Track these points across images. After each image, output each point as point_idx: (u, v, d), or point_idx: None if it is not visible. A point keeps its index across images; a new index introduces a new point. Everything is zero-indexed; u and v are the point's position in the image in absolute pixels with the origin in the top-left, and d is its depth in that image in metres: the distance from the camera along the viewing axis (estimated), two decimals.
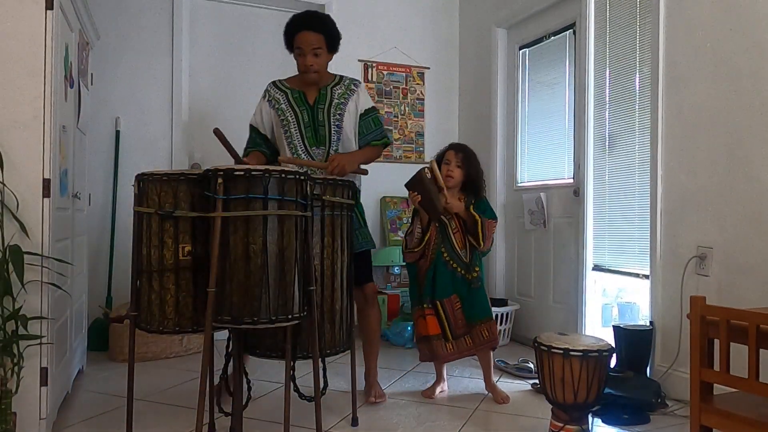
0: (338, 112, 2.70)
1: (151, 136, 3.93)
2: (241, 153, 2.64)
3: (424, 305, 2.81)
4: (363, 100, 2.78)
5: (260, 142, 2.75)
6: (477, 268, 2.83)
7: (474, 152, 2.92)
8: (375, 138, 2.80)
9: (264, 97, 2.77)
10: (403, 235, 4.43)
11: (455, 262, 2.80)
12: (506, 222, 4.28)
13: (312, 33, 2.63)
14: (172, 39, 3.98)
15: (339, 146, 2.69)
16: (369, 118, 2.79)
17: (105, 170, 3.83)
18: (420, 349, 2.87)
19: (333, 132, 2.68)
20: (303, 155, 2.66)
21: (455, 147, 2.91)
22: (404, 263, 3.08)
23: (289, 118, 2.67)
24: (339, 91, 2.73)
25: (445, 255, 2.81)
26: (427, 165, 2.78)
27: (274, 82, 2.79)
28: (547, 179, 3.94)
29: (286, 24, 2.70)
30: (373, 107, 2.82)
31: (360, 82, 2.84)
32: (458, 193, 2.86)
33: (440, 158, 2.91)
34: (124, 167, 3.81)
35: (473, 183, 2.86)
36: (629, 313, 3.34)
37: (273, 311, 1.95)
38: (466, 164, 2.84)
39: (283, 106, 2.69)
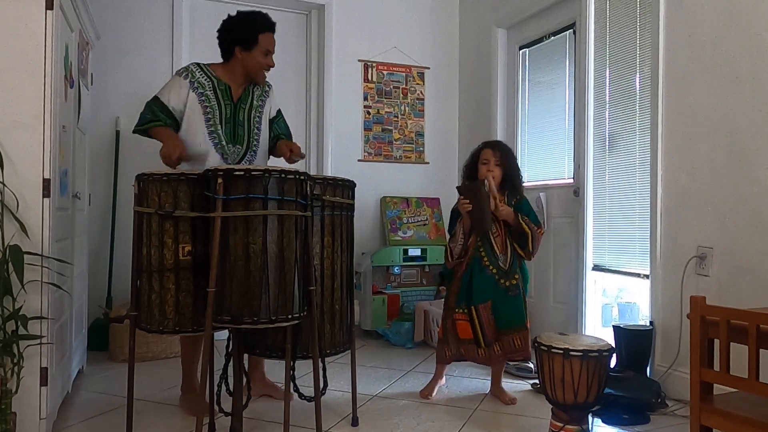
0: (258, 114, 2.73)
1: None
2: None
3: (456, 309, 2.75)
4: (275, 102, 2.86)
5: (165, 118, 2.57)
6: (516, 276, 2.75)
7: (510, 148, 2.89)
8: (286, 137, 2.89)
9: (183, 76, 2.62)
10: (403, 235, 4.42)
11: (494, 267, 2.73)
12: None
13: (273, 36, 2.68)
14: (172, 39, 3.98)
15: (258, 147, 2.72)
16: (280, 120, 2.89)
17: (105, 170, 3.83)
18: (438, 350, 2.84)
19: (253, 133, 2.70)
20: (226, 147, 2.62)
21: (491, 145, 2.84)
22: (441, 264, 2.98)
23: (214, 108, 2.61)
24: (257, 92, 2.75)
25: (485, 260, 2.74)
26: (486, 178, 2.72)
27: (198, 65, 2.68)
28: (547, 179, 3.94)
29: (250, 19, 2.64)
30: (279, 109, 2.90)
31: (271, 84, 2.86)
32: (498, 192, 2.78)
33: (475, 158, 2.84)
34: (124, 167, 3.81)
35: (512, 181, 2.80)
36: (629, 313, 3.34)
37: (273, 311, 1.95)
38: (505, 162, 2.79)
39: (208, 93, 2.61)
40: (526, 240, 2.72)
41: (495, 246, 2.75)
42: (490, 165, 2.77)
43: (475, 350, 2.73)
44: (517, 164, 2.86)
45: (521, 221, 2.72)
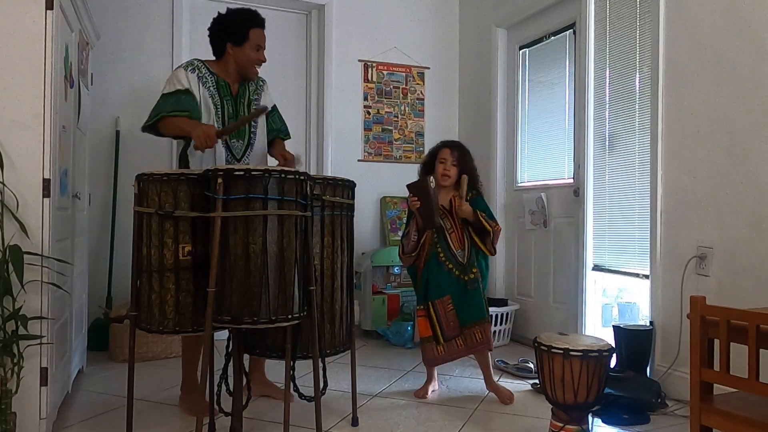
0: (255, 108, 2.74)
1: (151, 136, 3.92)
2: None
3: (418, 307, 2.82)
4: (270, 97, 2.87)
5: (192, 106, 2.53)
6: (474, 269, 2.80)
7: (467, 149, 2.92)
8: (284, 134, 2.93)
9: (190, 69, 2.60)
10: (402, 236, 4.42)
11: (450, 263, 2.78)
12: (506, 222, 4.27)
13: (264, 32, 2.70)
14: (172, 39, 3.98)
15: (256, 141, 2.73)
16: (275, 115, 2.89)
17: (105, 170, 3.83)
18: (421, 350, 2.86)
19: (253, 125, 2.71)
20: (222, 145, 2.60)
21: (450, 145, 2.89)
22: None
23: (216, 104, 2.62)
24: (252, 87, 2.77)
25: (441, 255, 2.79)
26: (431, 175, 2.79)
27: (200, 60, 2.68)
28: (547, 179, 3.94)
29: (240, 15, 2.65)
30: (275, 104, 2.90)
31: (265, 80, 2.87)
32: (453, 190, 2.85)
33: (434, 156, 2.89)
34: (124, 167, 3.81)
35: (468, 180, 2.83)
36: (629, 313, 3.34)
37: (273, 311, 1.95)
38: (461, 162, 2.84)
39: (212, 89, 2.63)
40: (484, 237, 2.79)
41: (450, 242, 2.80)
42: (447, 164, 2.82)
43: (434, 348, 2.77)
44: (473, 165, 2.90)
45: (480, 218, 2.78)
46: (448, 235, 2.81)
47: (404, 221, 4.50)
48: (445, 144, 2.91)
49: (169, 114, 2.50)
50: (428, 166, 2.91)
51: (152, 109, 2.56)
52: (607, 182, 3.37)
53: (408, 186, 2.80)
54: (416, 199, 2.72)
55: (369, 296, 4.07)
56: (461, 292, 2.78)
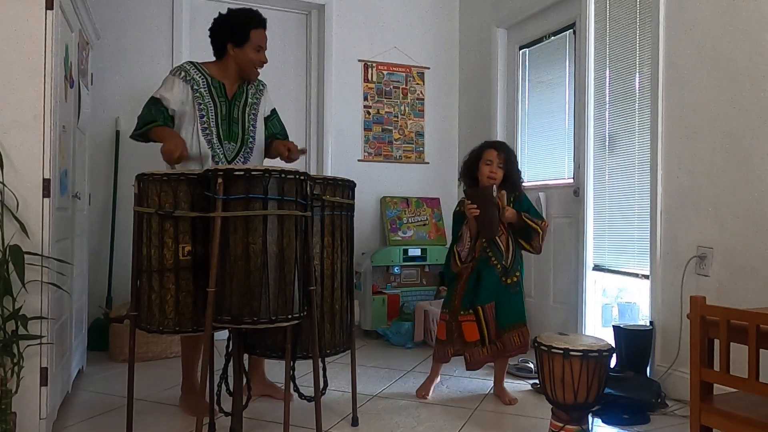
0: (253, 111, 2.73)
1: None
2: None
3: (461, 312, 2.74)
4: (270, 101, 2.86)
5: (165, 117, 2.57)
6: (518, 273, 2.77)
7: (512, 149, 2.88)
8: (282, 137, 2.89)
9: (177, 74, 2.61)
10: (403, 235, 4.42)
11: (500, 265, 2.74)
12: None
13: (265, 33, 2.69)
14: (172, 39, 3.98)
15: (254, 144, 2.71)
16: (275, 119, 2.88)
17: (105, 170, 3.83)
18: (438, 350, 2.80)
19: (249, 129, 2.70)
20: (217, 146, 2.60)
21: (497, 147, 2.83)
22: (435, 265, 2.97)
23: (208, 105, 2.61)
24: (251, 90, 2.75)
25: (493, 259, 2.74)
26: (495, 185, 2.71)
27: (192, 63, 2.68)
28: (547, 179, 3.94)
29: (241, 16, 2.65)
30: (274, 108, 2.89)
31: (265, 84, 2.86)
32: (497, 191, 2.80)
33: (477, 157, 2.82)
34: (124, 167, 3.81)
35: (512, 182, 2.81)
36: (629, 313, 3.34)
37: (273, 311, 1.95)
38: (508, 164, 2.79)
39: (203, 91, 2.60)
40: (531, 236, 2.74)
41: (501, 246, 2.75)
42: (494, 166, 2.77)
43: (480, 351, 2.73)
44: (518, 167, 2.87)
45: (525, 219, 2.74)
46: (498, 238, 2.75)
47: (404, 221, 4.54)
48: (491, 145, 2.85)
49: (149, 126, 2.55)
50: (471, 166, 2.84)
51: (140, 114, 2.59)
52: (607, 182, 3.37)
53: (466, 192, 2.75)
54: (476, 207, 2.66)
55: (369, 296, 4.06)
56: (504, 294, 2.74)
